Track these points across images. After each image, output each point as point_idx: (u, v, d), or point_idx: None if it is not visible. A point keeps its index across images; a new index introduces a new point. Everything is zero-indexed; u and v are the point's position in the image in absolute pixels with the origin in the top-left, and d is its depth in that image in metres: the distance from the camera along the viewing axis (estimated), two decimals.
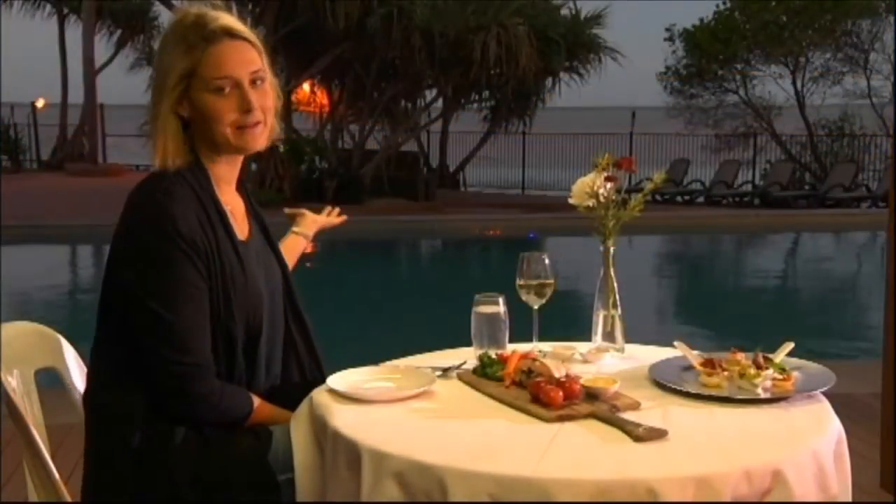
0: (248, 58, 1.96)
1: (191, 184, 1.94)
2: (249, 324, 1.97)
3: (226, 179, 2.05)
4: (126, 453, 1.90)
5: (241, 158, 2.07)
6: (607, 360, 2.15)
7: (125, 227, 1.91)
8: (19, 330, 2.16)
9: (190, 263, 1.87)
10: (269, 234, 2.17)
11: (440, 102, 19.15)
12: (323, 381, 2.10)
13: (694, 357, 2.02)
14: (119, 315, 1.92)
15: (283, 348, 2.11)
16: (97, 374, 2.00)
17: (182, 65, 1.92)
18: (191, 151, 1.98)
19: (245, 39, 1.97)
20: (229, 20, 1.96)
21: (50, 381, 2.21)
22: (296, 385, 2.09)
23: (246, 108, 1.94)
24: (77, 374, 2.19)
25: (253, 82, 1.96)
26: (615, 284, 2.21)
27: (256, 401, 1.99)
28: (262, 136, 2.00)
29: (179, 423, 1.91)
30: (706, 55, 20.57)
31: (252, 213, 2.14)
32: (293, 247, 2.49)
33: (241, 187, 2.14)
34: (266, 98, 1.99)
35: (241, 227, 2.05)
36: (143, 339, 1.88)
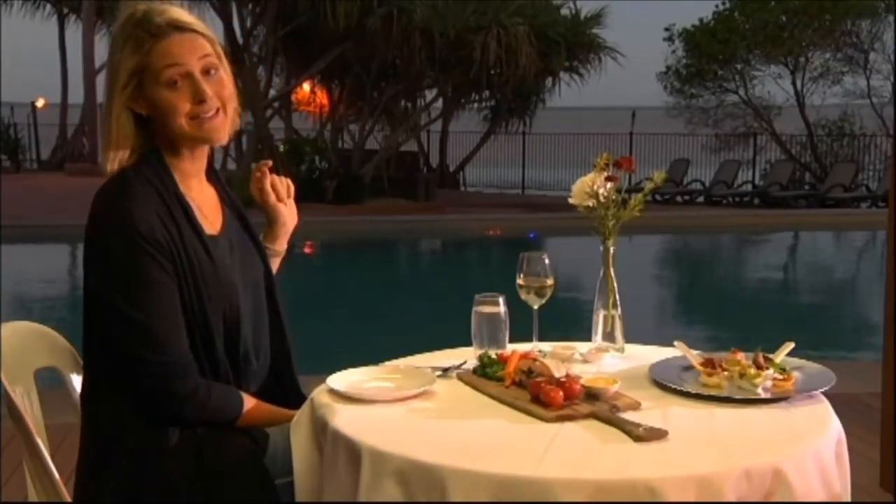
0: (197, 47, 1.93)
1: (152, 182, 1.93)
2: (226, 316, 1.96)
3: (191, 174, 2.02)
4: (121, 456, 1.91)
5: (205, 151, 2.04)
6: (607, 360, 2.15)
7: (89, 234, 1.90)
8: (19, 330, 2.16)
9: (155, 263, 1.87)
10: (248, 226, 2.15)
11: (440, 102, 19.16)
12: (292, 376, 2.13)
13: (694, 357, 2.02)
14: (98, 321, 1.92)
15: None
16: (90, 377, 2.00)
17: (131, 62, 1.91)
18: (151, 149, 1.97)
19: (194, 31, 1.94)
20: (176, 13, 1.93)
21: (50, 381, 2.21)
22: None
23: (199, 99, 1.92)
24: (77, 374, 2.19)
25: (206, 72, 1.94)
26: (615, 284, 2.21)
27: (251, 401, 1.99)
28: (223, 126, 1.98)
29: (173, 426, 1.90)
30: (706, 55, 20.58)
31: (228, 204, 2.12)
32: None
33: (215, 178, 2.11)
34: (222, 86, 1.96)
35: (211, 220, 2.04)
36: (121, 343, 1.88)
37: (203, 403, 1.91)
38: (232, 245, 2.06)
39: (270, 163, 2.21)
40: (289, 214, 2.24)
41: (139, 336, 1.86)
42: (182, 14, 1.94)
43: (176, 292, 1.89)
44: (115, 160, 1.96)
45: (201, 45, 1.94)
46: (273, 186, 2.20)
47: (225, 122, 1.98)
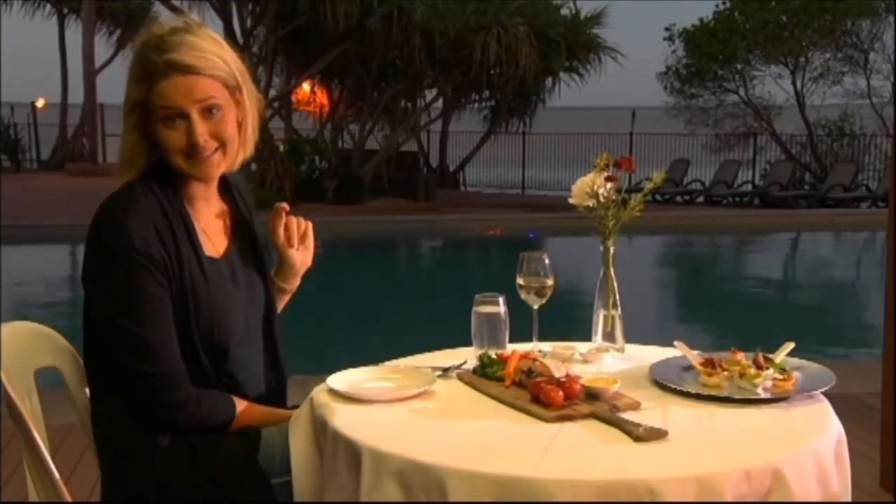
0: (198, 89, 1.89)
1: (157, 195, 1.94)
2: (215, 339, 1.96)
3: (197, 196, 2.02)
4: (116, 457, 1.93)
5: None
6: (607, 360, 2.15)
7: (88, 244, 1.91)
8: (19, 330, 2.16)
9: (150, 276, 1.87)
10: (258, 252, 2.13)
11: (440, 102, 19.16)
12: (283, 404, 2.12)
13: (694, 357, 2.02)
14: (94, 330, 1.94)
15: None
16: (90, 380, 2.02)
17: (133, 94, 1.92)
18: (164, 162, 1.96)
19: (195, 73, 1.89)
20: (182, 53, 1.88)
21: (50, 381, 2.21)
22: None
23: (192, 142, 1.91)
24: (77, 374, 2.19)
25: (208, 111, 1.91)
26: (615, 284, 2.21)
27: (243, 404, 1.99)
28: (220, 164, 1.96)
29: (165, 432, 1.92)
30: (706, 55, 20.58)
31: (238, 231, 2.10)
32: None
33: (229, 197, 2.10)
34: (223, 126, 1.93)
35: (215, 243, 2.03)
36: (114, 354, 1.90)
37: (194, 411, 1.92)
38: (234, 270, 2.05)
39: (287, 207, 2.17)
40: (299, 258, 2.20)
41: (133, 347, 1.87)
42: (189, 54, 1.88)
43: (169, 305, 1.90)
44: (122, 170, 1.97)
45: (203, 88, 1.90)
46: (287, 228, 2.16)
47: (223, 160, 1.97)
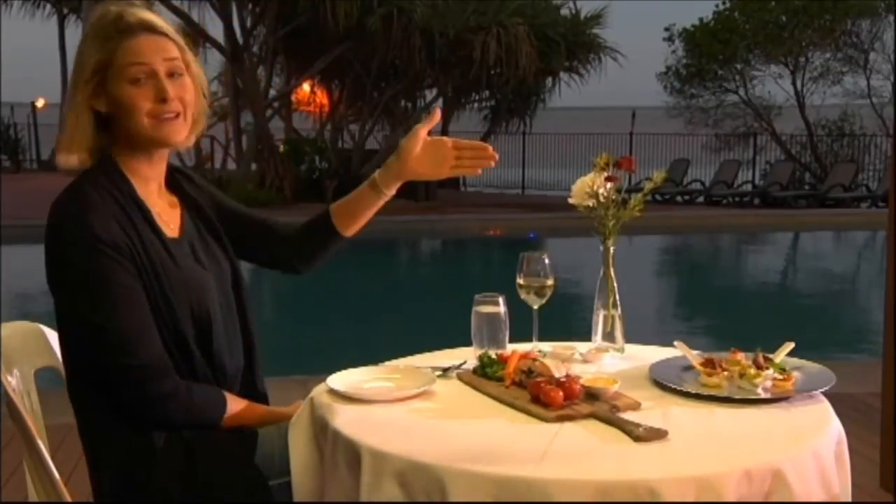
0: (165, 49, 1.93)
1: (109, 191, 1.91)
2: (196, 317, 1.94)
3: (149, 177, 2.00)
4: (111, 462, 1.92)
5: (164, 156, 2.02)
6: (607, 360, 2.15)
7: (49, 247, 1.87)
8: (19, 329, 2.16)
9: (118, 266, 1.85)
10: (213, 227, 2.12)
11: (440, 102, 19.15)
12: (254, 371, 2.10)
13: (694, 357, 2.02)
14: (70, 334, 1.91)
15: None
16: (73, 387, 1.98)
17: (98, 56, 1.91)
18: (106, 156, 1.95)
19: (164, 34, 1.95)
20: (149, 15, 1.95)
21: (50, 381, 2.21)
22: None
23: (161, 98, 1.91)
24: None
25: (170, 74, 1.93)
26: (615, 284, 2.21)
27: (243, 403, 1.99)
28: (182, 130, 1.97)
29: (159, 429, 1.90)
30: (706, 55, 20.59)
31: (189, 207, 2.10)
32: (363, 202, 2.19)
33: (173, 184, 2.09)
34: (185, 91, 1.96)
35: (170, 224, 2.02)
36: (94, 353, 1.86)
37: (185, 402, 1.90)
38: (194, 248, 2.04)
39: (440, 117, 2.14)
40: (425, 165, 2.15)
41: (111, 343, 1.84)
42: (155, 17, 1.96)
43: (142, 293, 1.88)
44: (71, 159, 1.95)
45: (169, 48, 1.94)
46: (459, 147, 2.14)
47: (184, 126, 1.98)
